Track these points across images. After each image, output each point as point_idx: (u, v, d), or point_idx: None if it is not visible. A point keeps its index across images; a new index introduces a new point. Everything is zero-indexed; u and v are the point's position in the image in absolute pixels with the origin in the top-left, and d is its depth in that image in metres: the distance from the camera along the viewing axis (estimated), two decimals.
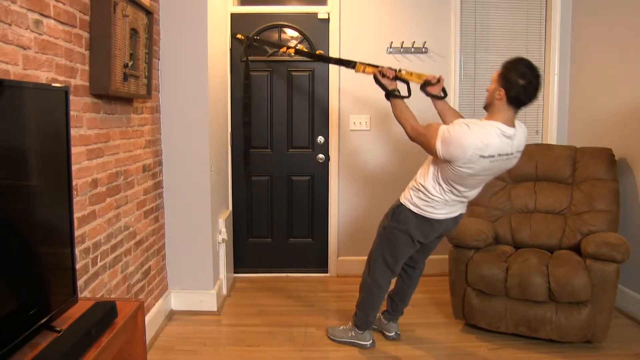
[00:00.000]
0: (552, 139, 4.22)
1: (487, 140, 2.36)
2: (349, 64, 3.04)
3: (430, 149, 2.51)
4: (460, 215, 2.79)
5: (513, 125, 2.44)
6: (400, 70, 2.84)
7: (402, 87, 2.82)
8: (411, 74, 2.85)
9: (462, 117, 2.76)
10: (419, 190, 2.67)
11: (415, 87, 2.85)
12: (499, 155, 2.42)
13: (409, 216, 2.73)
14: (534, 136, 4.33)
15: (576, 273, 2.86)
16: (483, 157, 2.38)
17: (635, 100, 3.41)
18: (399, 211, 2.78)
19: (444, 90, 2.83)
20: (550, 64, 4.19)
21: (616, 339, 3.06)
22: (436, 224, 2.72)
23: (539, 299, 2.91)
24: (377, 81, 2.81)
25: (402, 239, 2.79)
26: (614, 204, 3.29)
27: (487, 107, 2.51)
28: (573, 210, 3.39)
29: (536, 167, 3.58)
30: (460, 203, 2.71)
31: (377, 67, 2.87)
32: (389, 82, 2.78)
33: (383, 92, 2.80)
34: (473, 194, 2.68)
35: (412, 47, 4.06)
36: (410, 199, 2.72)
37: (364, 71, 2.93)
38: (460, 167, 2.43)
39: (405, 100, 2.77)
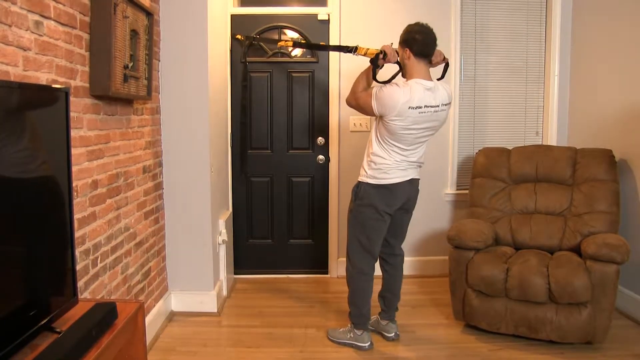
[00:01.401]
0: (552, 140, 4.22)
1: (412, 93, 2.69)
2: (349, 49, 3.07)
3: (367, 109, 2.85)
4: (415, 180, 2.96)
5: (430, 79, 2.78)
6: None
7: (394, 68, 2.96)
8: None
9: None
10: (371, 161, 2.88)
11: None
12: (425, 106, 2.72)
13: (368, 190, 2.90)
14: (534, 137, 4.33)
15: (576, 274, 2.85)
16: (412, 107, 2.69)
17: (635, 101, 3.41)
18: (358, 189, 2.96)
19: (445, 69, 2.97)
20: (550, 65, 4.19)
21: (616, 340, 3.06)
22: (394, 189, 2.87)
23: (539, 300, 2.91)
24: (375, 60, 2.88)
25: (368, 214, 2.92)
26: (614, 205, 3.29)
27: (403, 73, 2.86)
28: (573, 211, 3.39)
29: (536, 168, 3.58)
30: (410, 167, 2.90)
31: (377, 50, 2.92)
32: (383, 63, 2.90)
33: (372, 72, 2.89)
34: (416, 154, 2.89)
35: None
36: (365, 173, 2.92)
37: (366, 54, 2.97)
38: (393, 121, 2.72)
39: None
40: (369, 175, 2.89)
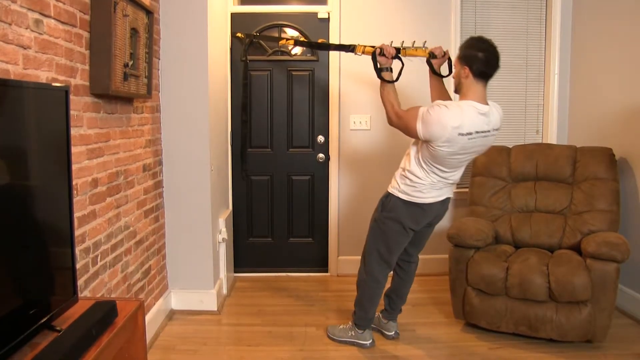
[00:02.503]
0: (552, 138, 4.22)
1: (464, 118, 2.46)
2: (349, 48, 3.04)
3: (410, 131, 2.60)
4: (448, 199, 2.84)
5: (486, 103, 2.55)
6: (404, 48, 2.87)
7: (395, 72, 2.83)
8: (416, 49, 2.89)
9: (451, 99, 2.81)
10: (405, 176, 2.73)
11: (413, 70, 2.93)
12: (476, 132, 2.51)
13: (398, 204, 2.77)
14: (534, 136, 4.33)
15: (576, 273, 2.85)
16: (461, 134, 2.47)
17: (635, 99, 3.41)
18: (387, 201, 2.82)
19: (450, 67, 2.85)
20: (551, 63, 4.19)
21: (616, 339, 3.06)
22: (427, 208, 2.76)
23: (539, 298, 2.91)
24: (374, 58, 2.80)
25: (394, 228, 2.81)
26: (614, 204, 3.29)
27: (457, 90, 2.63)
28: (573, 209, 3.39)
29: (536, 166, 3.58)
30: (446, 186, 2.76)
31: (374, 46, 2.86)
32: (385, 60, 2.78)
33: (375, 72, 2.80)
34: (456, 175, 2.74)
35: (413, 46, 4.04)
36: (397, 186, 2.77)
37: (363, 52, 2.93)
38: (440, 147, 2.51)
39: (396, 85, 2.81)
40: (401, 190, 2.75)
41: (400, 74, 2.83)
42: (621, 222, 3.33)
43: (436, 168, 2.64)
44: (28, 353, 1.44)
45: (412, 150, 2.72)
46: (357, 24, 4.07)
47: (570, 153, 3.55)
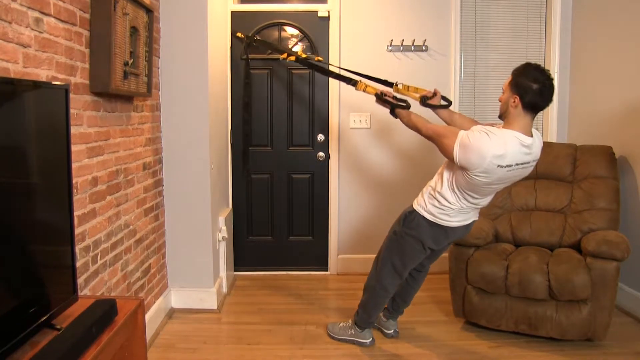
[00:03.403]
0: (552, 137, 4.22)
1: (506, 149, 2.31)
2: (350, 82, 3.06)
3: (447, 152, 2.45)
4: (473, 222, 2.76)
5: (531, 134, 2.39)
6: (397, 85, 2.93)
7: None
8: (407, 88, 2.94)
9: (475, 122, 2.71)
10: (434, 197, 2.62)
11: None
12: (516, 164, 2.37)
13: (422, 223, 2.68)
14: None
15: (576, 271, 2.86)
16: (501, 166, 2.33)
17: (635, 98, 3.41)
18: (411, 217, 2.72)
19: (445, 98, 2.87)
20: (550, 63, 4.19)
21: (616, 337, 3.06)
22: (450, 231, 2.68)
23: (540, 297, 2.91)
24: (378, 101, 2.86)
25: (413, 245, 2.75)
26: (614, 202, 3.29)
27: (502, 117, 2.46)
28: (573, 208, 3.39)
29: (536, 165, 3.57)
30: (473, 210, 2.68)
31: (376, 88, 2.90)
32: (389, 99, 2.83)
33: (390, 113, 2.82)
34: (486, 201, 2.65)
35: (413, 45, 4.05)
36: (424, 206, 2.67)
37: (364, 90, 2.97)
38: (476, 176, 2.38)
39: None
40: (427, 209, 2.64)
41: (408, 104, 2.81)
42: (621, 221, 3.33)
43: (468, 195, 2.53)
44: (28, 351, 1.44)
45: (446, 174, 2.58)
46: (357, 22, 4.07)
47: (570, 151, 3.55)
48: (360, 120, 4.17)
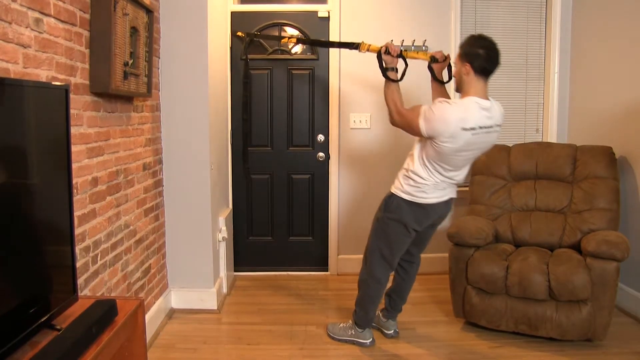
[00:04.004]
0: (552, 137, 4.22)
1: (467, 112, 2.50)
2: (353, 45, 3.05)
3: (413, 129, 2.62)
4: (452, 199, 2.83)
5: (487, 98, 2.58)
6: (406, 50, 2.88)
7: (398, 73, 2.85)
8: (417, 52, 2.91)
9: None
10: (409, 177, 2.73)
11: (416, 70, 2.93)
12: (480, 127, 2.52)
13: (401, 205, 2.76)
14: (534, 134, 4.33)
15: (576, 271, 2.86)
16: (465, 129, 2.48)
17: (635, 98, 3.41)
18: (390, 201, 2.81)
19: (449, 72, 2.87)
20: (550, 63, 4.19)
21: (616, 337, 3.06)
22: (429, 209, 2.75)
23: (540, 297, 2.91)
24: (379, 57, 2.82)
25: (396, 228, 2.81)
26: (614, 202, 3.29)
27: (458, 88, 2.66)
28: (573, 208, 3.39)
29: (536, 165, 3.58)
30: (450, 186, 2.76)
31: (379, 46, 2.87)
32: (390, 59, 2.80)
33: (380, 71, 2.81)
34: (460, 175, 2.74)
35: (413, 45, 4.01)
36: (401, 187, 2.76)
37: (368, 49, 2.94)
38: (444, 143, 2.52)
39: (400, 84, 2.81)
40: (404, 190, 2.74)
41: (404, 74, 2.83)
42: (621, 221, 3.33)
43: (440, 167, 2.64)
44: (28, 352, 1.44)
45: (416, 150, 2.71)
46: (357, 23, 4.07)
47: (570, 152, 3.55)
48: (360, 121, 4.17)
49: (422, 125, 2.55)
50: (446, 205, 2.81)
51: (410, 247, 2.97)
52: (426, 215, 2.78)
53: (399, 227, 2.80)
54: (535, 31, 4.23)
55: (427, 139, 2.60)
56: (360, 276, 3.02)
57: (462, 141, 2.51)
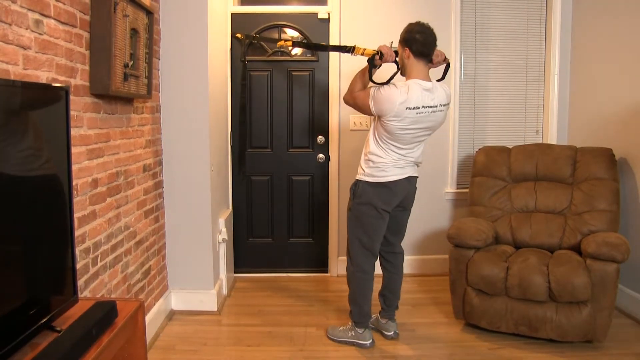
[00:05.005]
0: (552, 138, 4.22)
1: (410, 93, 2.68)
2: (347, 49, 3.07)
3: (364, 108, 2.84)
4: (414, 178, 2.97)
5: (429, 80, 2.78)
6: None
7: (394, 67, 2.92)
8: None
9: None
10: (368, 160, 2.88)
11: None
12: (423, 107, 2.72)
13: (366, 188, 2.90)
14: (534, 136, 4.33)
15: (576, 273, 2.85)
16: (409, 108, 2.69)
17: (635, 100, 3.41)
18: (356, 187, 2.95)
19: (446, 70, 2.93)
20: (550, 64, 4.19)
21: (616, 339, 3.06)
22: (393, 186, 2.87)
23: (539, 298, 2.91)
24: (370, 61, 2.85)
25: (367, 212, 2.91)
26: (614, 204, 3.29)
27: (402, 72, 2.85)
28: (573, 210, 3.39)
29: (536, 166, 3.58)
30: (408, 165, 2.90)
31: (374, 50, 2.89)
32: (379, 62, 2.88)
33: (368, 73, 2.85)
34: (415, 153, 2.89)
35: None
36: (363, 172, 2.92)
37: (362, 54, 2.96)
38: (390, 121, 2.72)
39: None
40: (366, 173, 2.89)
41: (392, 78, 2.83)
42: (621, 222, 3.33)
43: (392, 145, 2.81)
44: (28, 353, 1.44)
45: (370, 133, 2.90)
46: (357, 24, 4.07)
47: (570, 153, 3.55)
48: (360, 122, 4.17)
49: (372, 105, 2.76)
50: (409, 183, 2.94)
51: (389, 235, 3.06)
52: (391, 193, 2.89)
53: (370, 210, 2.90)
54: (535, 32, 4.23)
55: (377, 119, 2.81)
56: (347, 272, 3.08)
57: (407, 120, 2.71)
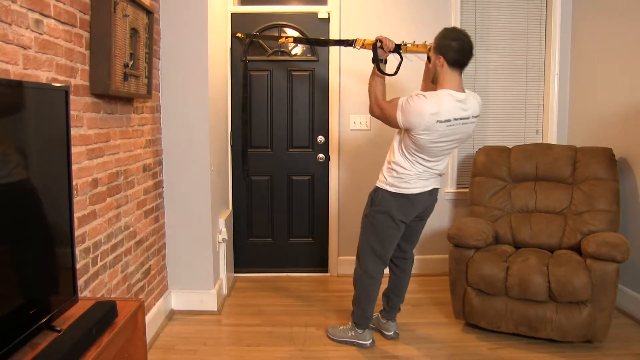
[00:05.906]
0: (552, 138, 4.22)
1: (441, 105, 2.54)
2: (348, 42, 3.06)
3: (391, 121, 2.70)
4: (436, 190, 2.87)
5: (462, 91, 2.63)
6: (405, 44, 2.88)
7: (394, 66, 2.86)
8: (417, 45, 2.90)
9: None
10: (391, 169, 2.77)
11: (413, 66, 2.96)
12: (455, 119, 2.58)
13: (386, 197, 2.80)
14: (534, 136, 4.33)
15: (576, 273, 2.85)
16: (440, 121, 2.54)
17: (635, 100, 3.41)
18: (376, 195, 2.85)
19: (398, 66, 2.88)
20: (550, 64, 4.19)
21: (616, 339, 3.06)
22: (414, 199, 2.78)
23: (539, 298, 2.91)
24: (374, 49, 2.81)
25: (384, 222, 2.83)
26: (614, 204, 3.29)
27: (434, 80, 2.69)
28: (573, 210, 3.39)
29: (536, 166, 3.58)
30: (432, 177, 2.80)
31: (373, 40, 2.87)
32: (382, 53, 2.81)
33: (374, 63, 2.81)
34: (441, 165, 2.78)
35: (414, 44, 4.04)
36: (384, 180, 2.81)
37: (363, 45, 2.95)
38: (419, 135, 2.58)
39: (392, 79, 2.86)
40: (388, 182, 2.78)
41: (398, 68, 2.84)
42: (621, 222, 3.33)
43: (420, 157, 2.70)
44: (28, 353, 1.44)
45: (395, 142, 2.78)
46: (357, 24, 4.07)
47: (570, 153, 3.55)
48: (360, 122, 4.17)
49: (399, 118, 2.62)
50: (430, 195, 2.85)
51: (402, 242, 3.00)
52: (411, 206, 2.81)
53: (387, 220, 2.82)
54: (535, 32, 4.23)
55: (404, 131, 2.68)
56: (355, 275, 3.05)
57: (437, 133, 2.58)
